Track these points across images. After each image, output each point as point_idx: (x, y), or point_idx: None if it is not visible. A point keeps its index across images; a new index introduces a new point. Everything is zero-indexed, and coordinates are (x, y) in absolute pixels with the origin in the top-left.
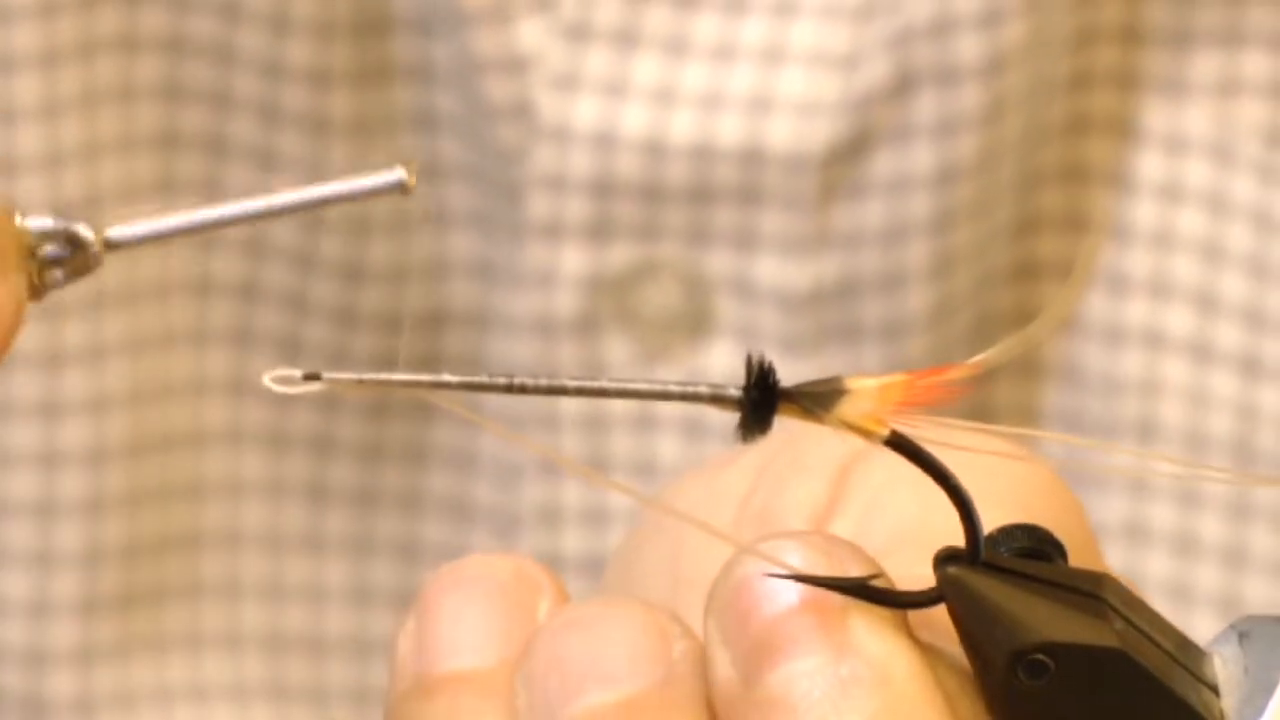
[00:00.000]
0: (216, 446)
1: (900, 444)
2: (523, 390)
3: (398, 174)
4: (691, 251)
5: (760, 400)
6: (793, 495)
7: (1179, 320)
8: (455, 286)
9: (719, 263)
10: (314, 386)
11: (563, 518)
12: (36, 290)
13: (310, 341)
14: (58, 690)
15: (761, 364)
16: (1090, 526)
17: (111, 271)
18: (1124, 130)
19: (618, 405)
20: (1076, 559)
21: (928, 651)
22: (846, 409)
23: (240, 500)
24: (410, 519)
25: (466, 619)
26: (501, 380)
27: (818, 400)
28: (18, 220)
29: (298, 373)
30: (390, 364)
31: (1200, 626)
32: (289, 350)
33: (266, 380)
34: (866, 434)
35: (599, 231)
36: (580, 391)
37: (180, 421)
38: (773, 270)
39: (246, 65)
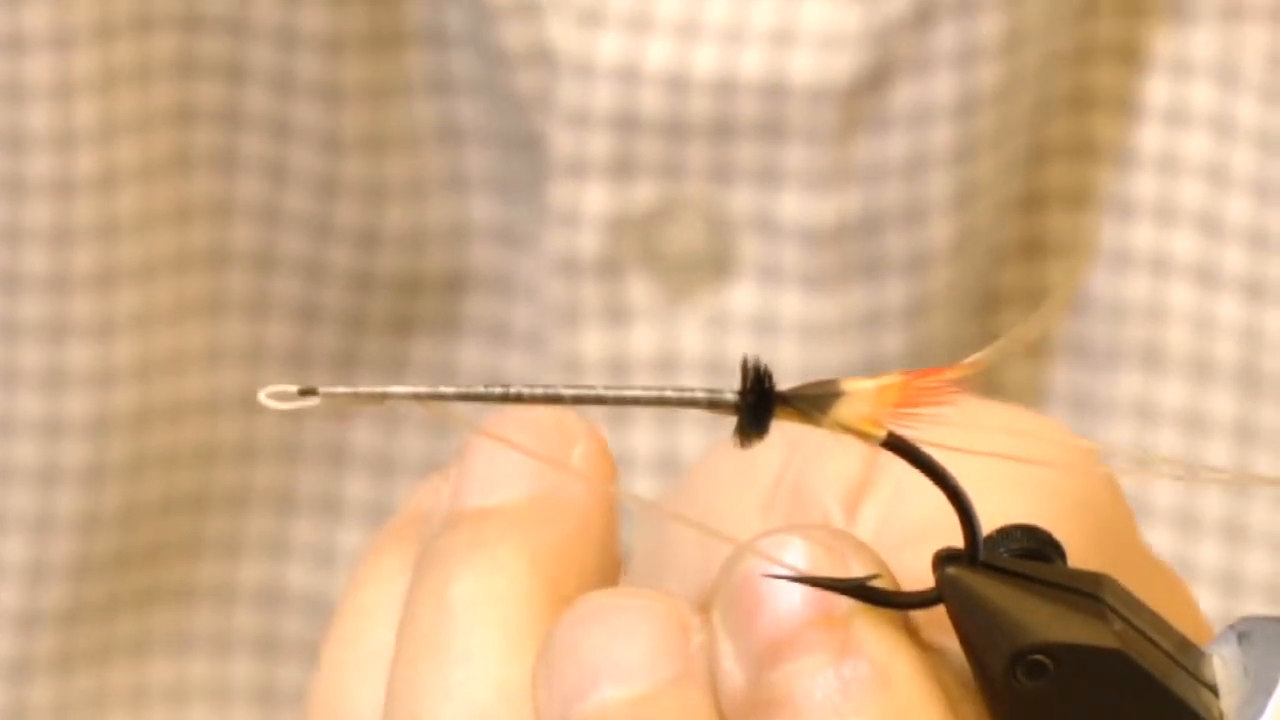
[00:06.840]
0: (226, 462)
1: (897, 445)
2: (519, 399)
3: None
4: (715, 189)
5: (756, 404)
6: (825, 472)
7: (1184, 245)
8: (475, 250)
9: (742, 200)
10: (310, 401)
11: None
12: None
13: (318, 350)
14: None
15: (758, 368)
16: (1111, 515)
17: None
18: (1130, 56)
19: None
20: (1104, 544)
21: (931, 653)
22: (843, 411)
23: (246, 510)
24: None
25: (500, 459)
26: (497, 390)
27: (814, 403)
28: None
29: (293, 388)
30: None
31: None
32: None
33: (262, 397)
34: (864, 436)
35: (622, 169)
36: (577, 400)
37: (191, 437)
38: (796, 206)
39: (261, 35)
